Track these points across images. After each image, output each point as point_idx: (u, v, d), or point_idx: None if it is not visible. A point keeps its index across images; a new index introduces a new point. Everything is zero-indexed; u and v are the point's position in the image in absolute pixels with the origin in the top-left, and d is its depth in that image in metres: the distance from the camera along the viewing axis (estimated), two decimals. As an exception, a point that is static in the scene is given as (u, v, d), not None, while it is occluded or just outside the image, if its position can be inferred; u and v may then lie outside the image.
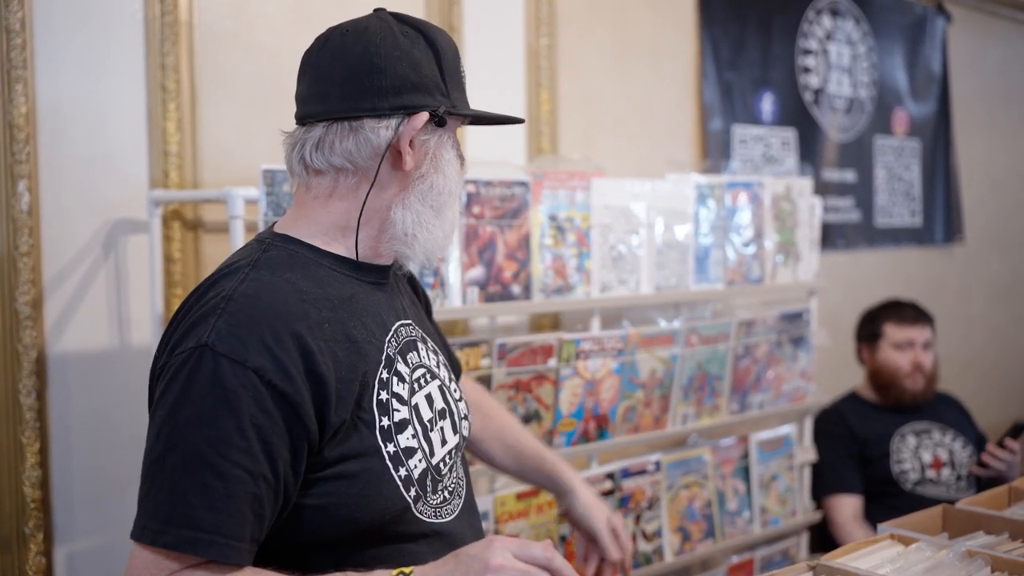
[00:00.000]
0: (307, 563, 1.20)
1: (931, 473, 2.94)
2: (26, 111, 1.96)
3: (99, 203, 2.08)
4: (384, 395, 1.25)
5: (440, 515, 1.30)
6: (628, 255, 2.41)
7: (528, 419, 2.21)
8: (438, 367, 1.39)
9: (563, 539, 2.29)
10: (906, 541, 1.61)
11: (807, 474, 2.92)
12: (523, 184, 2.22)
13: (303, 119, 1.28)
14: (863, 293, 3.67)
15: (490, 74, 2.68)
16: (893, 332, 3.05)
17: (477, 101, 1.41)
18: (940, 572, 1.49)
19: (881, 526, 1.66)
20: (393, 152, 1.26)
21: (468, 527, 1.36)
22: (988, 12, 4.50)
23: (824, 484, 2.93)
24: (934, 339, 3.10)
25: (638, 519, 2.44)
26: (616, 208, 2.38)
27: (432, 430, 1.32)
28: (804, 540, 2.93)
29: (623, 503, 2.41)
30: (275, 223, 1.34)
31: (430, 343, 1.41)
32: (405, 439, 1.26)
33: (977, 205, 4.50)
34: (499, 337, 2.15)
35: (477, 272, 2.16)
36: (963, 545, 1.56)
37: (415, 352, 1.34)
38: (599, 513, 1.72)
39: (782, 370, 2.78)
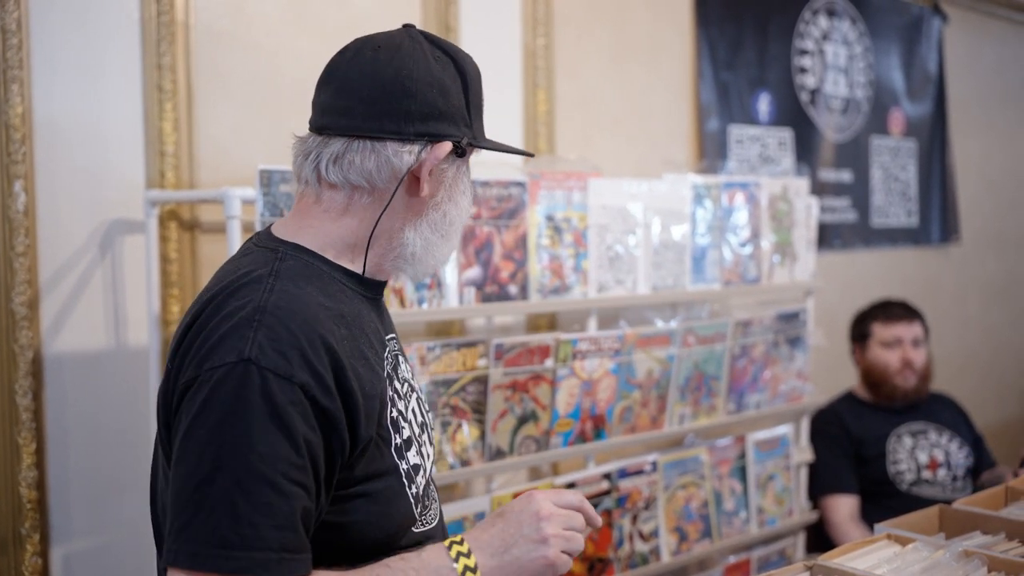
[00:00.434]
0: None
1: (927, 474, 2.94)
2: (22, 111, 1.95)
3: (95, 203, 2.07)
4: (394, 413, 1.25)
5: (427, 522, 1.31)
6: (625, 255, 2.41)
7: (525, 419, 2.21)
8: (413, 378, 1.40)
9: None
10: (903, 541, 1.62)
11: (804, 474, 2.93)
12: (520, 184, 2.22)
13: (322, 128, 1.25)
14: (859, 293, 3.68)
15: (487, 74, 2.65)
16: (880, 331, 3.07)
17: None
18: (937, 572, 1.50)
19: (878, 526, 1.67)
20: (411, 177, 1.24)
21: (439, 527, 1.37)
22: (984, 12, 4.50)
23: (821, 484, 2.94)
24: (925, 336, 3.10)
25: (635, 519, 2.44)
26: (613, 208, 2.38)
27: (423, 445, 1.33)
28: (801, 540, 2.94)
29: (620, 503, 2.41)
30: (271, 225, 1.32)
31: (406, 353, 1.42)
32: (412, 456, 1.27)
33: (973, 205, 4.50)
34: (496, 337, 2.15)
35: (474, 272, 2.16)
36: (960, 545, 1.56)
37: (400, 367, 1.34)
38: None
39: (779, 370, 2.79)
